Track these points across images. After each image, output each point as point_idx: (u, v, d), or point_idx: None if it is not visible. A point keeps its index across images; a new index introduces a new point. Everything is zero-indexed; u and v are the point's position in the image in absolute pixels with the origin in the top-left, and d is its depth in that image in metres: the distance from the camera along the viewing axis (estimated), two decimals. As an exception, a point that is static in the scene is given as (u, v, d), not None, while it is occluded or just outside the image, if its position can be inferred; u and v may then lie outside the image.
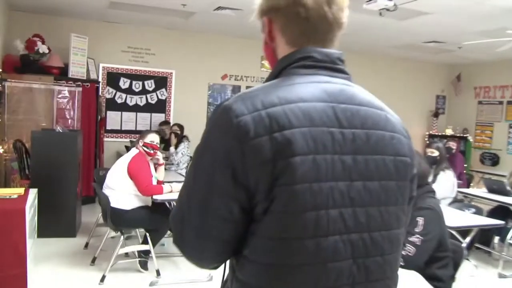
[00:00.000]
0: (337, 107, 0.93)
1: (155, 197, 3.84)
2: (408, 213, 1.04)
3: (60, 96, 5.83)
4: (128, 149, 6.72)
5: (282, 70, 0.99)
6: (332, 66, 0.99)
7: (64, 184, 4.87)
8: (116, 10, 6.50)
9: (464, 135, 9.53)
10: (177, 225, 0.95)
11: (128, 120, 7.56)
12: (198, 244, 0.94)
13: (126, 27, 7.42)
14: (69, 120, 5.84)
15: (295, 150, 0.85)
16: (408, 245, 2.23)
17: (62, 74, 6.12)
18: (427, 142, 5.89)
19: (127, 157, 3.92)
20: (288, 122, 0.86)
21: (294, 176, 0.85)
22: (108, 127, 7.39)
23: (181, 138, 6.71)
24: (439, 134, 9.68)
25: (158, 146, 4.10)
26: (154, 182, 3.99)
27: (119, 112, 7.49)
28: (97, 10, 6.57)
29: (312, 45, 0.99)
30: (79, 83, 6.18)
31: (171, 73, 7.81)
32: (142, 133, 4.16)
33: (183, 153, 6.63)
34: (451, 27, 6.27)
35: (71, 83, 6.04)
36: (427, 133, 9.94)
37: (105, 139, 7.24)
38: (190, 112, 7.92)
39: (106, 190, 3.90)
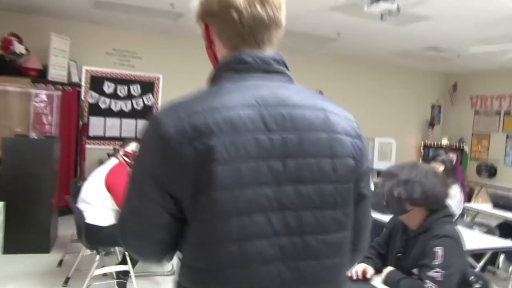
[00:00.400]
0: (265, 111, 0.92)
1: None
2: (362, 214, 1.05)
3: (37, 99, 5.43)
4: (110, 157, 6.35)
5: (217, 75, 1.01)
6: (266, 68, 0.99)
7: (37, 195, 4.47)
8: (101, 10, 6.14)
9: (460, 146, 9.30)
10: (119, 226, 1.02)
11: (112, 126, 7.17)
12: (137, 244, 1.01)
13: (112, 28, 7.05)
14: (46, 126, 5.44)
15: (215, 158, 0.86)
16: (428, 281, 1.88)
17: (40, 76, 5.73)
18: (434, 155, 5.59)
19: (105, 168, 3.55)
20: (209, 130, 0.88)
21: (214, 183, 0.86)
22: (90, 134, 6.99)
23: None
24: (435, 144, 9.43)
25: None
26: None
27: (103, 118, 7.09)
28: (81, 10, 6.20)
29: (248, 47, 0.99)
30: (59, 86, 5.79)
31: (158, 77, 7.45)
32: (123, 141, 3.80)
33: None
34: (452, 33, 6.01)
35: (50, 86, 5.64)
36: (422, 143, 9.68)
37: (87, 146, 6.84)
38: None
39: (81, 204, 3.52)
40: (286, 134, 0.92)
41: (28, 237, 4.39)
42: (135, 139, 3.92)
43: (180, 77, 7.55)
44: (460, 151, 9.29)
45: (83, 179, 4.52)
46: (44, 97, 5.40)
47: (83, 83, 6.80)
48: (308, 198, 0.93)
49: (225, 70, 0.99)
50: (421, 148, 9.69)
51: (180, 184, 0.88)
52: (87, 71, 6.91)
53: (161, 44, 7.40)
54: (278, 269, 0.92)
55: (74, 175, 6.32)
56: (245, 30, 0.98)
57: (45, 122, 5.43)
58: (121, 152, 3.62)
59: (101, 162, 6.95)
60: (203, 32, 1.06)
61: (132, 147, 3.65)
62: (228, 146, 0.87)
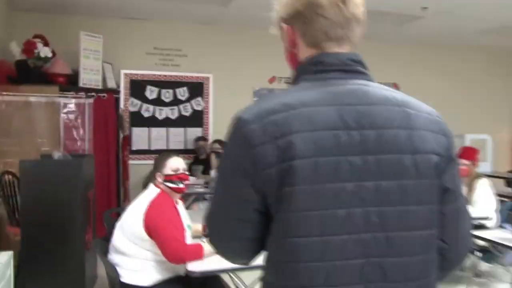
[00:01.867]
0: (342, 109, 0.95)
1: (190, 267, 2.31)
2: (450, 211, 1.03)
3: (66, 111, 4.47)
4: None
5: (298, 76, 1.05)
6: (344, 68, 1.01)
7: (64, 231, 3.47)
8: (137, 3, 5.17)
9: None
10: (208, 227, 1.06)
11: (158, 137, 6.17)
12: (226, 243, 1.05)
13: (151, 23, 6.05)
14: (78, 142, 4.47)
15: (296, 154, 0.90)
16: None
17: (70, 83, 4.79)
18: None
19: (142, 203, 2.43)
20: (289, 127, 0.92)
21: (295, 178, 0.90)
22: (133, 147, 6.02)
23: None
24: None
25: (187, 174, 2.62)
26: (189, 237, 2.49)
27: (147, 128, 6.10)
28: (113, 5, 5.25)
29: (330, 45, 1.02)
30: (92, 93, 4.82)
31: (208, 78, 6.38)
32: (157, 161, 2.65)
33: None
34: None
35: (82, 94, 4.68)
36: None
37: (131, 161, 5.87)
38: (233, 124, 6.46)
39: (113, 256, 2.43)
40: (365, 131, 0.94)
41: (56, 285, 3.40)
42: (171, 153, 2.71)
43: (233, 75, 6.45)
44: None
45: (128, 204, 3.50)
46: (73, 106, 4.42)
47: (122, 89, 5.84)
48: (390, 194, 0.94)
49: (305, 71, 1.03)
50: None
51: (265, 179, 0.92)
52: (125, 74, 5.95)
53: (208, 37, 6.32)
54: (360, 265, 0.93)
55: (117, 199, 5.35)
56: (328, 27, 1.01)
57: (76, 137, 4.45)
58: (159, 178, 2.50)
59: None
60: (285, 34, 1.07)
61: (172, 165, 2.52)
62: (308, 142, 0.91)
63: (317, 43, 1.02)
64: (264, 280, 1.00)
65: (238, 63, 6.46)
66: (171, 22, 6.10)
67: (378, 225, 0.92)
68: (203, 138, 6.12)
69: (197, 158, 5.98)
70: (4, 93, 4.28)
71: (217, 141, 5.69)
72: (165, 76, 6.15)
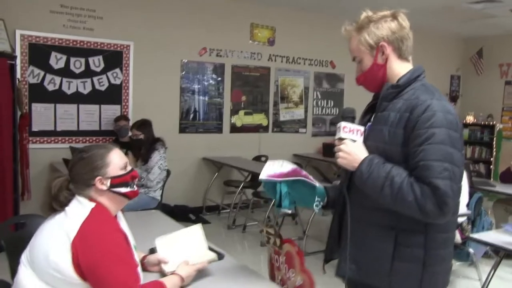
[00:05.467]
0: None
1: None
2: None
3: None
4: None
5: (410, 83, 1.51)
6: None
7: None
8: None
9: (489, 123, 7.89)
10: (452, 187, 1.36)
11: (66, 116, 5.08)
12: (456, 201, 1.42)
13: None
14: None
15: (462, 134, 1.46)
16: None
17: None
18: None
19: (66, 227, 1.52)
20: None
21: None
22: (34, 128, 4.89)
23: (151, 143, 4.38)
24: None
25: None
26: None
27: (52, 105, 4.99)
28: None
29: (410, 57, 1.58)
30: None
31: (128, 46, 5.39)
32: (89, 161, 1.63)
33: (161, 167, 4.30)
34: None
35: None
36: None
37: (31, 145, 4.75)
38: (158, 102, 5.57)
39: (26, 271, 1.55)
40: None
41: None
42: (112, 144, 1.76)
43: (157, 44, 5.54)
44: (489, 128, 7.91)
45: (24, 217, 2.55)
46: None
47: (18, 54, 4.67)
48: None
49: (416, 78, 1.52)
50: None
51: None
52: (23, 36, 4.76)
53: (130, -2, 5.33)
54: None
55: (14, 191, 4.26)
56: (410, 43, 1.55)
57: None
58: (101, 185, 1.63)
59: (52, 167, 4.90)
60: (382, 51, 1.52)
61: (118, 159, 1.67)
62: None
63: (404, 56, 1.56)
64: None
65: (164, 31, 5.55)
66: (83, -25, 5.00)
67: None
68: (125, 117, 5.17)
69: (117, 141, 5.05)
70: None
71: (140, 122, 4.60)
72: (76, 41, 5.05)
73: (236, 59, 6.19)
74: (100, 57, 5.21)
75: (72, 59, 5.03)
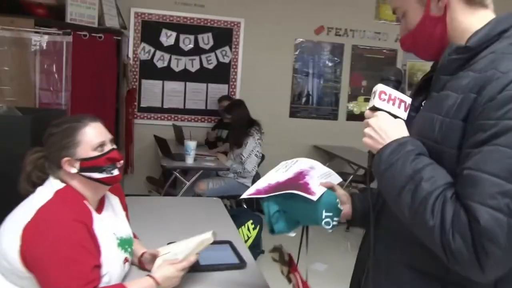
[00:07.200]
0: None
1: None
2: None
3: (36, 51, 3.40)
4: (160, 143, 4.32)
5: (488, 43, 0.90)
6: None
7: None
8: None
9: None
10: (505, 226, 0.77)
11: (173, 93, 5.08)
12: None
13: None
14: (53, 93, 3.42)
15: None
16: None
17: (54, 17, 3.73)
18: None
19: (24, 212, 1.27)
20: None
21: None
22: (142, 104, 4.98)
23: (245, 126, 4.09)
24: None
25: (116, 148, 1.44)
26: (119, 261, 1.39)
27: (160, 82, 5.02)
28: None
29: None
30: (84, 32, 3.73)
31: (239, 23, 5.16)
32: (55, 137, 1.35)
33: (257, 155, 4.01)
34: None
35: (59, 31, 3.57)
36: None
37: (137, 121, 4.84)
38: (267, 83, 5.27)
39: None
40: None
41: None
42: (90, 116, 1.39)
43: (270, 22, 5.21)
44: None
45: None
46: (43, 45, 3.35)
47: (131, 32, 4.76)
48: None
49: (500, 35, 0.90)
50: None
51: None
52: (137, 14, 4.83)
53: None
54: None
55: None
56: None
57: (50, 87, 3.40)
58: (69, 168, 1.32)
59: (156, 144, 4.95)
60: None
61: (94, 136, 1.32)
62: None
63: (476, 2, 0.95)
64: None
65: (277, 7, 5.19)
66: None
67: None
68: (229, 97, 4.97)
69: (221, 122, 4.88)
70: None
71: (226, 106, 4.40)
72: (186, 18, 4.98)
73: (358, 39, 5.55)
74: (210, 35, 5.07)
75: (182, 36, 4.98)
